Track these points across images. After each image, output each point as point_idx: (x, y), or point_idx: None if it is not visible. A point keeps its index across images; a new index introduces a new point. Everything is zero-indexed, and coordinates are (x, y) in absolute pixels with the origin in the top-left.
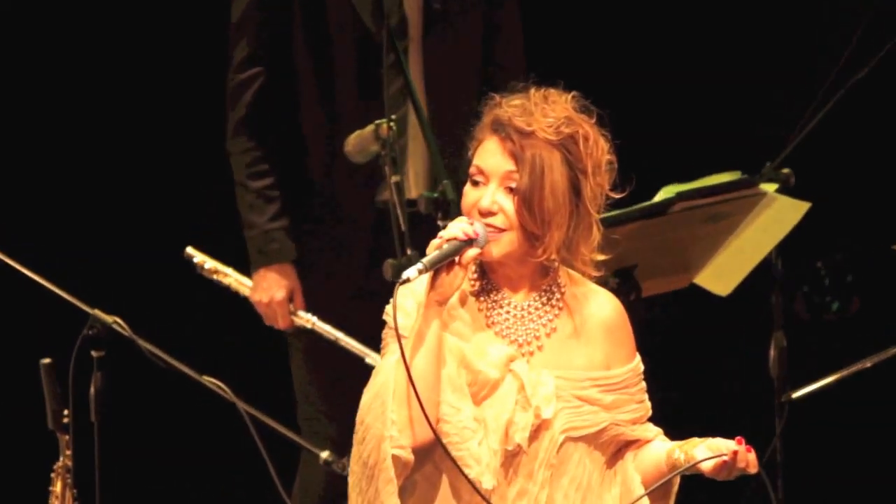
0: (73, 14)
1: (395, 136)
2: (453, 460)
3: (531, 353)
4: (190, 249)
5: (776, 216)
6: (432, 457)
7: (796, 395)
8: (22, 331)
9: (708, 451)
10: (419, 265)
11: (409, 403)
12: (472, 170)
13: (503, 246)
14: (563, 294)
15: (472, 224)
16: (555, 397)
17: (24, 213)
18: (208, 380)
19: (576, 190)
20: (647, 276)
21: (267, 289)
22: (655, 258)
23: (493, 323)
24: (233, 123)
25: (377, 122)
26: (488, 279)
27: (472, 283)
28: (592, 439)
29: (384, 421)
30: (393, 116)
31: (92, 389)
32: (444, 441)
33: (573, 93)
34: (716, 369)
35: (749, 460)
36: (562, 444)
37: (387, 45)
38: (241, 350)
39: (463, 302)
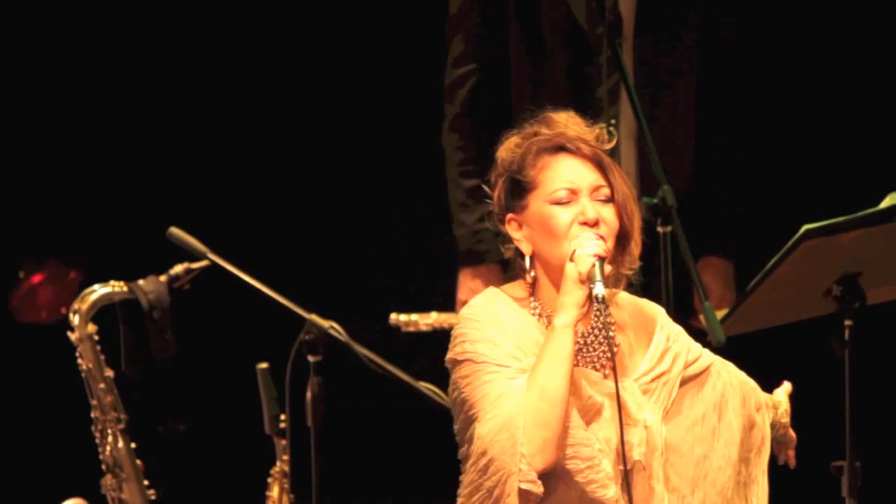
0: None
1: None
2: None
3: (607, 377)
4: (394, 318)
5: None
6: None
7: None
8: (239, 336)
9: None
10: (600, 283)
11: (548, 427)
12: (557, 194)
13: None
14: (609, 311)
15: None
16: (644, 403)
17: (241, 219)
18: (425, 386)
19: None
20: (873, 285)
21: (473, 289)
22: (881, 266)
23: None
24: (448, 119)
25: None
26: (541, 305)
27: (530, 311)
28: (683, 400)
29: (513, 455)
30: (612, 120)
31: (309, 394)
32: (584, 465)
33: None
34: None
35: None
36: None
37: (606, 42)
38: None
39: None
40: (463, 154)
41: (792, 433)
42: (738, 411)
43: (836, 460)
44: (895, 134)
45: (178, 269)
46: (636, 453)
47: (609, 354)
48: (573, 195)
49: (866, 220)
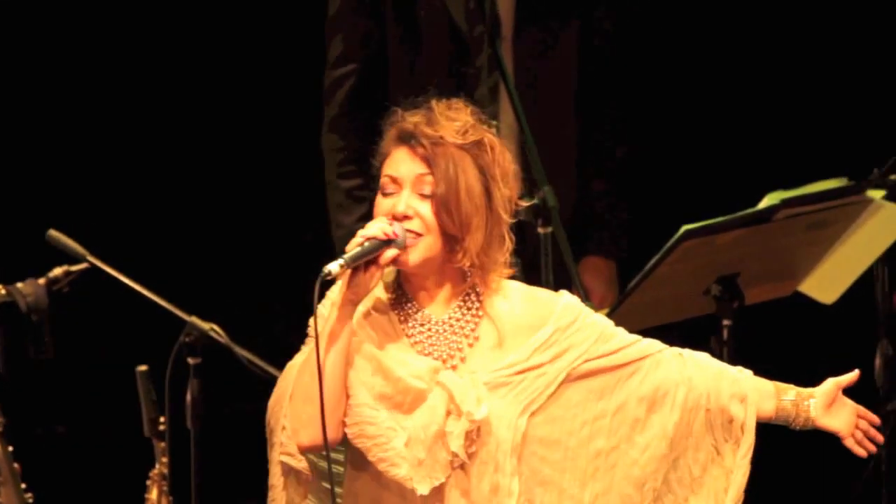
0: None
1: None
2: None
3: (454, 367)
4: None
5: (882, 224)
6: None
7: None
8: (118, 338)
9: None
10: (340, 261)
11: (315, 402)
12: (382, 181)
13: (421, 251)
14: (482, 302)
15: (391, 224)
16: (485, 396)
17: (121, 220)
18: None
19: (488, 194)
20: (751, 284)
21: None
22: (759, 266)
23: (412, 339)
24: (326, 120)
25: None
26: (403, 291)
27: (389, 294)
28: (562, 393)
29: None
30: (494, 121)
31: (188, 396)
32: (370, 443)
33: (472, 107)
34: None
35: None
36: (531, 416)
37: (487, 42)
38: None
39: (378, 310)
40: (342, 155)
41: (828, 424)
42: (679, 406)
43: None
44: (774, 134)
45: (58, 271)
46: (454, 445)
47: (459, 345)
48: (397, 186)
49: (745, 221)
